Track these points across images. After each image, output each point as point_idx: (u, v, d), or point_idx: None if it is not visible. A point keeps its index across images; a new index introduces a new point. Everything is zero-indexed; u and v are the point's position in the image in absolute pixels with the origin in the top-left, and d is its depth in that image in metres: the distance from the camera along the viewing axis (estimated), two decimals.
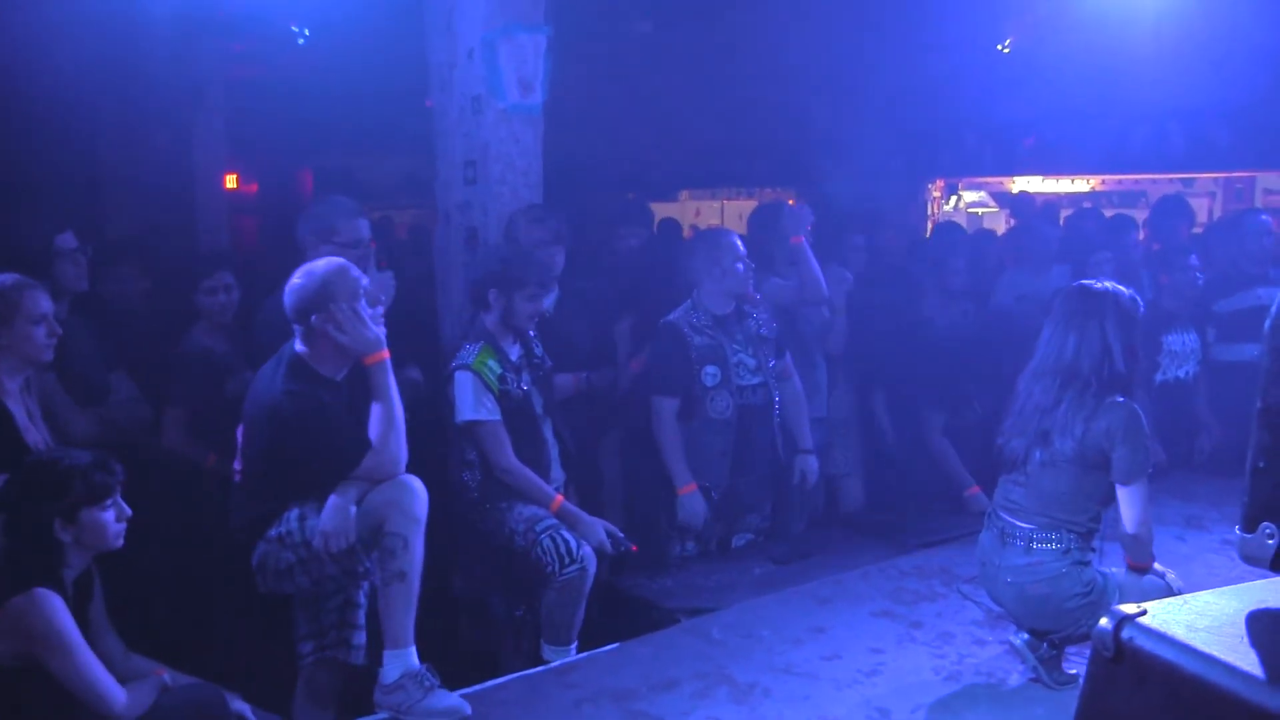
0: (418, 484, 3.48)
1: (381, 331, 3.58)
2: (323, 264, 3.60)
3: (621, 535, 4.39)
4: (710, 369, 4.86)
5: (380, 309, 3.63)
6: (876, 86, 8.87)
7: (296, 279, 3.56)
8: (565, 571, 4.14)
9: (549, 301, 4.59)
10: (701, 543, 5.00)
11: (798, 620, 4.28)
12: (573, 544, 4.19)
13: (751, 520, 5.15)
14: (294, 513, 3.52)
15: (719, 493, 4.92)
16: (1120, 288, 3.71)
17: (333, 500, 3.42)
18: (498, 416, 4.36)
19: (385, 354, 3.55)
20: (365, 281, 3.60)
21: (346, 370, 3.61)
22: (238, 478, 3.73)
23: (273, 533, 3.53)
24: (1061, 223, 7.70)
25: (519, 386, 4.45)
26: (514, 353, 4.51)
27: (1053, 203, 10.09)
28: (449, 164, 5.45)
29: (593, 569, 4.22)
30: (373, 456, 3.45)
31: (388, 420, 3.49)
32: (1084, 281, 3.82)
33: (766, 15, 9.32)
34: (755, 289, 5.03)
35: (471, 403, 4.34)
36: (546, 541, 4.19)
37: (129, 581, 3.62)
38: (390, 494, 3.43)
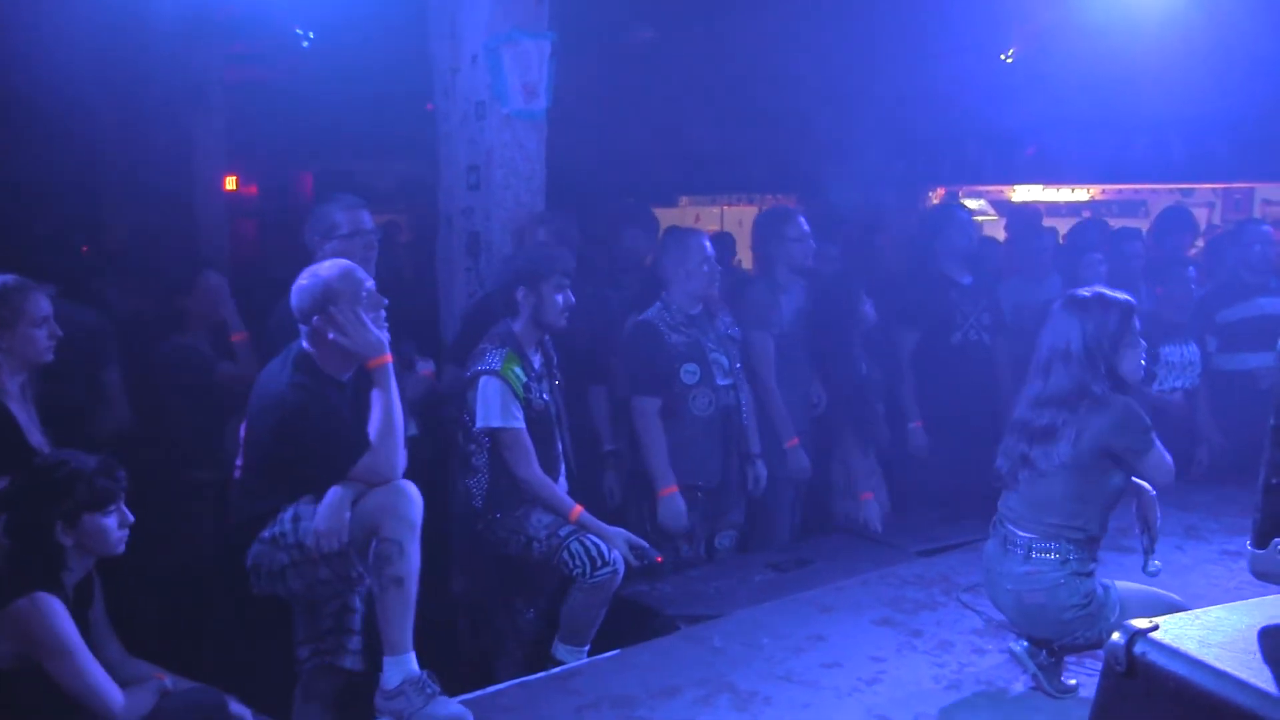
0: (412, 489, 3.48)
1: (385, 335, 3.57)
2: (327, 266, 3.60)
3: (646, 545, 4.37)
4: (690, 366, 4.90)
5: (383, 312, 3.61)
6: (878, 94, 8.86)
7: (302, 280, 3.57)
8: (597, 574, 4.15)
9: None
10: (691, 544, 5.02)
11: (798, 628, 4.28)
12: (603, 547, 4.20)
13: (732, 517, 5.20)
14: (288, 513, 3.50)
15: (707, 492, 4.96)
16: (1104, 291, 3.67)
17: (327, 500, 3.41)
18: (524, 424, 4.33)
19: (388, 358, 3.55)
20: (370, 284, 3.60)
21: (352, 371, 3.61)
22: (238, 473, 3.73)
23: (266, 534, 3.52)
24: (1061, 236, 7.69)
25: (540, 397, 4.43)
26: (536, 361, 4.49)
27: (1037, 210, 10.11)
28: (452, 169, 5.45)
29: (623, 571, 4.24)
30: (369, 457, 3.44)
31: (387, 423, 3.48)
32: (1070, 291, 3.79)
33: (768, 22, 9.32)
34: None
35: (499, 410, 4.29)
36: (575, 546, 4.19)
37: (129, 585, 3.61)
38: (384, 499, 3.42)
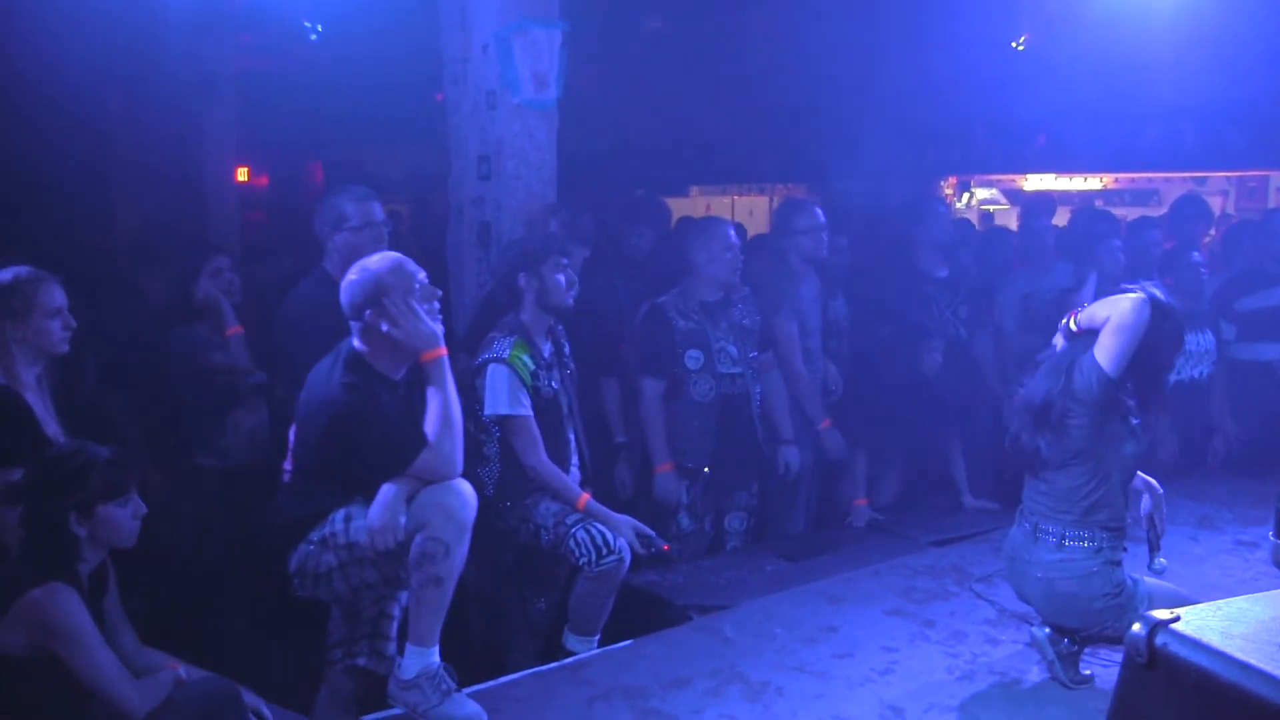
0: (467, 489, 3.38)
1: (439, 327, 3.49)
2: (377, 258, 3.51)
3: (652, 533, 4.34)
4: (693, 353, 5.00)
5: (437, 304, 3.52)
6: (889, 83, 8.83)
7: (352, 274, 3.47)
8: (602, 562, 4.12)
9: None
10: (695, 519, 5.07)
11: (810, 618, 4.28)
12: (609, 535, 4.17)
13: (741, 498, 5.26)
14: (339, 514, 3.41)
15: (703, 469, 5.03)
16: (1155, 291, 3.61)
17: (382, 497, 3.31)
18: (531, 412, 4.31)
19: (443, 350, 3.46)
20: (422, 276, 3.50)
21: (405, 369, 3.51)
22: (286, 477, 3.64)
23: (315, 535, 3.43)
24: (1066, 221, 7.65)
25: (549, 385, 4.42)
26: (546, 350, 4.48)
27: (1049, 197, 10.05)
28: (463, 159, 5.45)
29: (629, 560, 4.20)
30: (428, 454, 3.33)
31: (445, 418, 3.38)
32: (1125, 285, 3.73)
33: (777, 10, 9.30)
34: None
35: (506, 397, 4.28)
36: (581, 534, 4.17)
37: (144, 575, 3.61)
38: (438, 497, 3.32)
